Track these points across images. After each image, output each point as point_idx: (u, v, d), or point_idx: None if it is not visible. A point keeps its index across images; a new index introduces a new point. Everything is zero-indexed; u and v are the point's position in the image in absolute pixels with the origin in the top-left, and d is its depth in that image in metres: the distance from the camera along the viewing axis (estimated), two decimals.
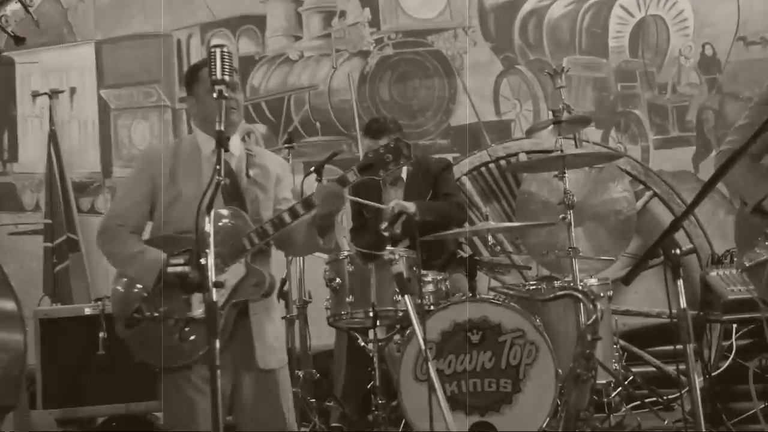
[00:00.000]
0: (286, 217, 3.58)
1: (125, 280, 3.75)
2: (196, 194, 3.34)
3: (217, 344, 2.64)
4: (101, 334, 5.23)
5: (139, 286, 3.69)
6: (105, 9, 7.51)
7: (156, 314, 3.62)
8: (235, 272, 3.62)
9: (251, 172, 3.83)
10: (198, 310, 3.57)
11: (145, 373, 3.78)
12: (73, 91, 7.59)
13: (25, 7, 3.40)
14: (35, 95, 7.45)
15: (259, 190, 3.83)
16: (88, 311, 5.39)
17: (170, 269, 3.49)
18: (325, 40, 7.27)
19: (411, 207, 5.24)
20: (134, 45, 7.56)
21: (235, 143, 3.85)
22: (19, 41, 3.44)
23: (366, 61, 7.17)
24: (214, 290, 2.60)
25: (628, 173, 6.34)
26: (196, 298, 3.56)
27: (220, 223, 3.61)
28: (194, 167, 3.77)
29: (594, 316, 4.22)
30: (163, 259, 3.62)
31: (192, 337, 3.59)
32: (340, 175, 3.51)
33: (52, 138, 7.33)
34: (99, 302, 5.39)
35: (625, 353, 5.80)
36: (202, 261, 2.64)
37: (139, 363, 3.68)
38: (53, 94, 7.45)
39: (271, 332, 3.78)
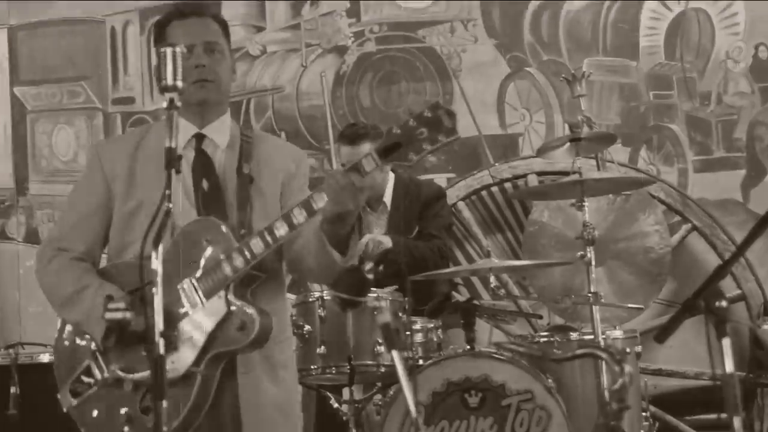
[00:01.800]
0: (280, 228, 3.16)
1: (70, 328, 3.44)
2: (158, 203, 3.12)
3: (164, 414, 2.49)
4: (13, 390, 5.21)
5: (87, 337, 3.37)
6: None
7: (108, 375, 3.29)
8: (212, 312, 3.20)
9: (246, 167, 3.48)
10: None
11: None
12: None
13: None
14: None
15: (255, 192, 3.46)
16: None
17: (108, 315, 3.01)
18: (292, 33, 7.34)
19: (387, 242, 5.32)
20: (58, 33, 7.63)
21: (222, 126, 3.54)
22: None
23: (343, 59, 7.24)
24: (161, 341, 2.57)
25: (662, 202, 6.41)
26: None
27: (191, 240, 3.26)
28: (159, 163, 3.24)
29: (621, 381, 4.26)
30: (101, 301, 3.22)
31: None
32: (353, 163, 3.08)
33: None
34: (10, 350, 5.37)
35: (657, 422, 5.84)
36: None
37: (62, 424, 3.43)
38: None
39: (272, 399, 3.38)
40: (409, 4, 7.20)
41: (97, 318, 3.21)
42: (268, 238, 3.16)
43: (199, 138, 3.48)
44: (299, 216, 3.14)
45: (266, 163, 3.53)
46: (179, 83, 2.82)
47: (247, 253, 3.17)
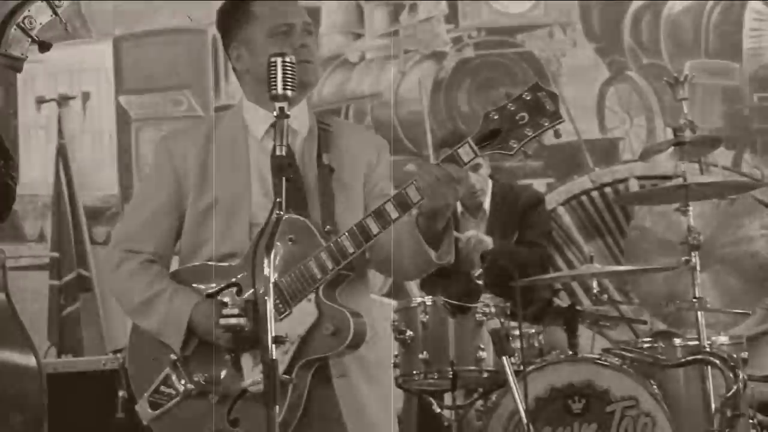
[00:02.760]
0: (372, 226, 2.95)
1: (145, 335, 3.22)
2: (237, 201, 3.18)
3: (278, 419, 2.47)
4: (121, 393, 5.25)
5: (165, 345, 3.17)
6: None
7: (191, 386, 3.13)
8: (303, 316, 3.01)
9: (326, 158, 3.24)
10: (251, 379, 3.04)
11: None
12: (86, 97, 7.78)
13: (53, 7, 3.52)
14: (41, 102, 7.58)
15: (337, 184, 3.22)
16: (105, 365, 5.44)
17: (223, 321, 2.91)
18: (391, 39, 7.38)
19: (489, 242, 5.32)
20: (160, 42, 7.75)
21: (300, 113, 3.27)
22: (44, 47, 3.55)
23: (441, 65, 7.26)
24: (273, 347, 2.49)
25: (767, 206, 6.33)
26: (247, 361, 3.07)
27: (277, 243, 2.86)
28: (237, 158, 3.25)
29: (735, 387, 4.22)
30: (195, 304, 3.11)
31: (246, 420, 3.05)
32: (448, 153, 2.88)
33: (61, 153, 7.50)
34: (118, 354, 5.42)
35: (764, 431, 5.77)
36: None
37: None
38: (62, 100, 7.61)
39: (373, 402, 3.17)
40: (507, 9, 7.19)
41: (175, 325, 3.11)
42: (361, 238, 2.95)
43: None
44: (393, 212, 2.92)
45: (347, 152, 3.29)
46: (289, 92, 2.79)
47: (337, 253, 2.97)
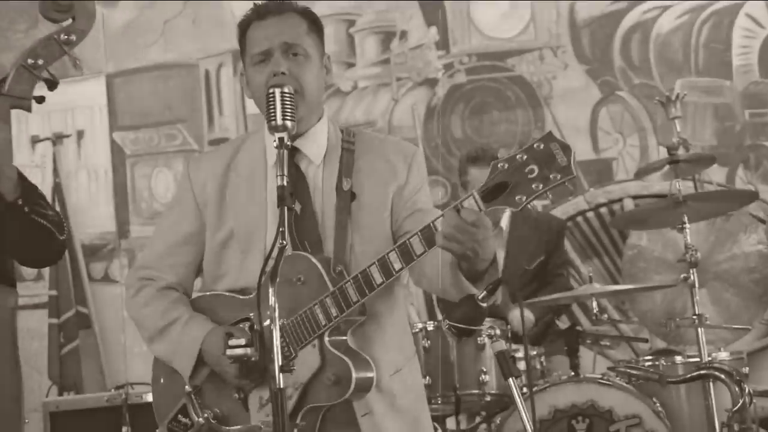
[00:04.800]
0: (376, 275, 2.84)
1: (165, 366, 3.20)
2: (253, 233, 3.11)
3: None
4: (125, 429, 5.27)
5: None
6: (117, 36, 7.72)
7: (201, 420, 3.10)
8: (307, 362, 2.93)
9: (346, 183, 3.09)
10: (259, 418, 3.01)
11: None
12: (80, 134, 7.84)
13: (61, 46, 3.55)
14: (35, 141, 7.65)
15: (358, 210, 3.08)
16: (107, 401, 5.43)
17: (230, 352, 2.81)
18: (383, 67, 7.43)
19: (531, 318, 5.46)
20: (153, 78, 7.79)
21: (316, 136, 3.17)
22: (52, 86, 3.59)
23: (433, 91, 7.30)
24: (279, 375, 2.48)
25: (762, 221, 6.37)
26: (255, 402, 3.04)
27: (282, 278, 2.69)
28: (254, 188, 3.16)
29: (741, 401, 4.24)
30: (207, 332, 3.08)
31: None
32: (453, 205, 2.71)
33: (57, 191, 7.56)
34: (120, 390, 5.44)
35: None
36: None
37: None
38: (57, 139, 7.70)
39: None
40: (497, 34, 7.24)
41: (187, 352, 3.09)
42: (365, 287, 2.85)
43: (291, 152, 3.00)
44: (396, 263, 2.81)
45: (372, 174, 3.12)
46: (288, 123, 2.81)
47: (342, 301, 2.88)
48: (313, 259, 2.96)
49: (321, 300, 2.90)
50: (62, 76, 3.62)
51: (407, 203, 3.08)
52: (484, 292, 2.84)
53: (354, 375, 2.88)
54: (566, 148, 2.60)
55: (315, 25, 3.19)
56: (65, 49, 3.52)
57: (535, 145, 2.60)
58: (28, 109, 3.57)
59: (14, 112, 3.59)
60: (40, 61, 3.49)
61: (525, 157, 2.61)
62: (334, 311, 2.89)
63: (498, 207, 2.66)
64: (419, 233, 2.78)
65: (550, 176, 2.58)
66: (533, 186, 2.59)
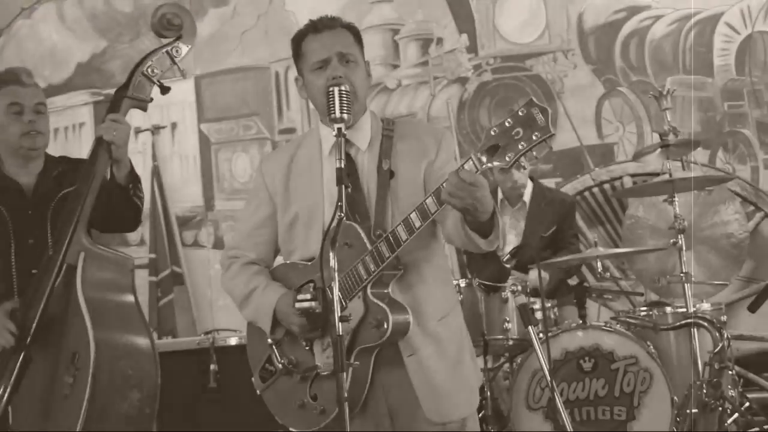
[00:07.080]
0: (402, 233, 2.88)
1: (254, 326, 3.28)
2: (313, 213, 3.15)
3: (346, 386, 2.58)
4: (212, 367, 5.31)
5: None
6: (204, 44, 7.71)
7: (285, 364, 3.16)
8: (354, 311, 2.97)
9: (385, 163, 3.12)
10: (321, 362, 3.08)
11: (261, 407, 3.33)
12: (174, 126, 7.87)
13: (172, 58, 3.61)
14: (138, 131, 7.65)
15: (396, 186, 3.10)
16: (198, 344, 5.45)
17: (298, 305, 2.93)
18: (422, 68, 7.41)
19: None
20: (233, 79, 7.80)
21: (362, 127, 3.18)
22: (164, 90, 3.65)
23: (464, 88, 7.28)
24: (339, 324, 2.60)
25: (738, 194, 6.33)
26: (318, 347, 3.11)
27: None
28: (313, 176, 3.20)
29: (721, 344, 4.23)
30: (279, 297, 3.14)
31: (321, 396, 3.09)
32: (456, 168, 2.73)
33: (155, 173, 7.63)
34: (209, 335, 5.48)
35: (741, 379, 5.78)
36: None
37: (253, 395, 3.32)
38: (155, 129, 7.75)
39: (443, 374, 3.06)
40: (518, 39, 7.20)
41: (266, 313, 3.14)
42: (393, 243, 2.89)
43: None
44: (416, 221, 2.84)
45: (408, 153, 3.13)
46: (345, 115, 2.87)
47: (377, 256, 2.92)
48: (357, 227, 3.00)
49: (362, 258, 2.95)
50: (159, 78, 3.68)
51: (436, 176, 3.04)
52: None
53: (391, 318, 2.92)
54: (544, 111, 2.61)
55: (358, 37, 3.23)
56: (175, 60, 3.58)
57: (519, 111, 2.63)
58: (145, 109, 3.65)
59: None
60: (156, 70, 3.56)
61: (511, 121, 2.63)
62: (372, 266, 2.93)
63: (494, 165, 2.68)
64: (432, 194, 2.82)
65: (533, 136, 2.59)
66: (519, 146, 2.62)
